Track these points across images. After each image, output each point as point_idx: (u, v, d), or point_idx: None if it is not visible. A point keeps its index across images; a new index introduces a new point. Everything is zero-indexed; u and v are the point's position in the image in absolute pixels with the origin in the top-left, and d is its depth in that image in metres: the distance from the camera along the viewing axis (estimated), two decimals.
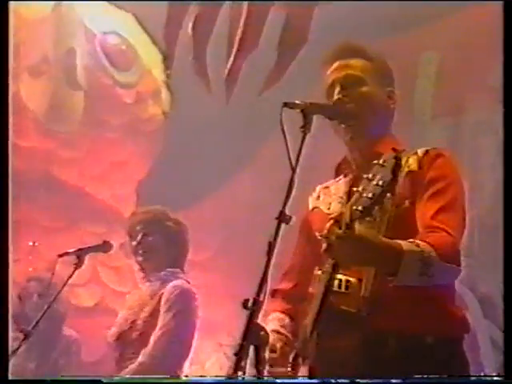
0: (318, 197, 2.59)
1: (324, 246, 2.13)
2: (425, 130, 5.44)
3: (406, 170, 2.31)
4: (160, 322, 3.57)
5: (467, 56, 5.26)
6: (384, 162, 2.04)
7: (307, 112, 2.21)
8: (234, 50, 5.33)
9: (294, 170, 2.11)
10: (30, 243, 5.39)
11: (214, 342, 5.32)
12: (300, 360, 2.28)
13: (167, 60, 5.96)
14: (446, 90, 5.48)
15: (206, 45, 5.57)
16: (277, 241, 2.07)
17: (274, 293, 2.61)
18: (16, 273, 4.94)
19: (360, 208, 2.05)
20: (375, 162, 2.06)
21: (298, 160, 2.12)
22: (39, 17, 5.60)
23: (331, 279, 2.17)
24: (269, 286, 2.06)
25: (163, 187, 5.32)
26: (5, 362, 2.70)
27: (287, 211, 2.09)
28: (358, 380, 2.16)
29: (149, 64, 6.04)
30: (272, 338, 2.38)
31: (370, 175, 2.05)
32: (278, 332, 2.43)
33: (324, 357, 2.23)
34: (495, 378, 2.46)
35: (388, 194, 2.04)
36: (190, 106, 5.66)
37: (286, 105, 2.19)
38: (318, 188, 2.63)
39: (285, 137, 2.13)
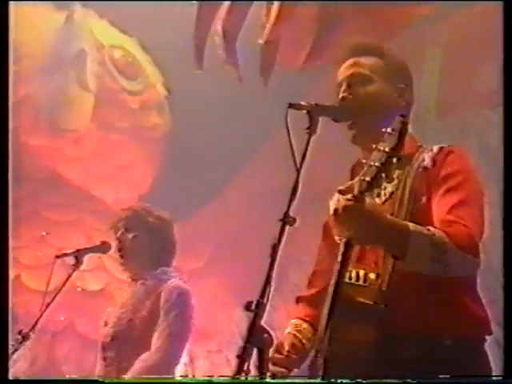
0: (338, 200, 2.56)
1: (332, 219, 2.10)
2: (429, 126, 5.42)
3: (421, 166, 2.31)
4: (162, 322, 3.55)
5: (472, 51, 5.24)
6: (392, 130, 2.03)
7: (313, 113, 2.20)
8: (271, 22, 5.19)
9: (298, 172, 2.09)
10: (43, 233, 5.58)
11: (203, 349, 5.37)
12: (319, 362, 2.26)
13: (167, 82, 6.14)
14: (451, 87, 5.46)
15: (237, 33, 5.46)
16: (281, 243, 2.05)
17: (298, 299, 2.61)
18: (24, 257, 5.32)
19: (368, 179, 2.04)
20: (383, 130, 2.05)
21: (302, 161, 2.10)
22: (53, 26, 5.85)
23: (345, 260, 2.12)
24: (272, 288, 2.03)
25: (166, 193, 5.32)
26: (5, 362, 2.70)
27: (291, 213, 2.07)
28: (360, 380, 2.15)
29: (153, 79, 6.25)
30: (283, 339, 2.40)
31: (380, 145, 2.04)
32: (293, 335, 2.43)
33: (338, 350, 2.17)
34: (494, 378, 2.43)
35: (394, 159, 2.02)
36: (192, 112, 5.66)
37: (291, 106, 2.18)
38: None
39: (289, 138, 2.11)
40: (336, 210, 2.08)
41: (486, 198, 2.37)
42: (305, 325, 2.49)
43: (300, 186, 2.09)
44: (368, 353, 2.17)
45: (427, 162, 2.33)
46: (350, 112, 2.39)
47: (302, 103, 2.21)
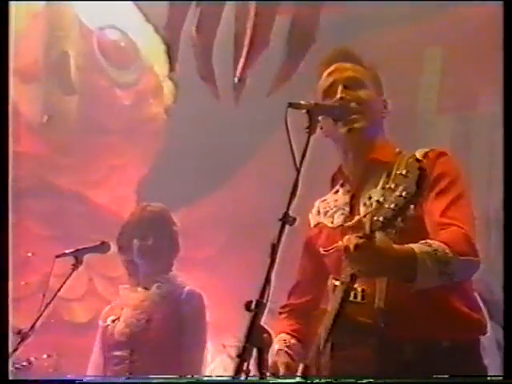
0: (318, 212, 2.57)
1: (344, 256, 2.09)
2: (430, 126, 5.41)
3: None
4: (188, 329, 3.66)
5: (472, 50, 5.24)
6: (407, 172, 1.99)
7: (312, 113, 2.19)
8: (245, 51, 5.22)
9: (298, 171, 2.08)
10: (29, 254, 5.35)
11: (218, 343, 5.32)
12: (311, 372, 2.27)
13: (170, 51, 5.79)
14: (452, 86, 5.46)
15: (211, 48, 5.46)
16: (280, 242, 2.04)
17: (281, 310, 2.62)
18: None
19: (381, 219, 2.01)
20: (398, 172, 2.01)
21: (302, 161, 2.09)
22: (31, 14, 5.49)
23: (348, 290, 2.14)
24: (272, 288, 2.03)
25: (164, 186, 5.27)
26: (5, 362, 2.70)
27: (291, 213, 2.07)
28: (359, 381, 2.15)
29: (150, 59, 5.91)
30: (276, 358, 2.40)
31: (392, 185, 2.00)
32: (284, 352, 2.44)
33: (339, 367, 2.21)
34: (494, 378, 2.43)
35: (411, 206, 1.98)
36: (192, 104, 5.60)
37: (290, 105, 2.17)
38: (317, 203, 2.61)
39: (289, 137, 2.10)
40: (347, 248, 2.06)
41: (484, 198, 2.38)
42: (293, 340, 2.50)
43: (300, 185, 2.08)
44: (368, 365, 2.20)
45: None
46: (350, 111, 2.39)
47: (302, 102, 2.21)
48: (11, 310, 3.13)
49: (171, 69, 5.91)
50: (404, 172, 1.99)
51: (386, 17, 5.25)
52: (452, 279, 2.16)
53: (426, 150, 2.37)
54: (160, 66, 5.93)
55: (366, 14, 5.20)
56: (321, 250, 2.46)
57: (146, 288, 3.76)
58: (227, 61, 5.50)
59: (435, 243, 2.14)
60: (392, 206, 1.99)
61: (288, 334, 2.52)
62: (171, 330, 3.66)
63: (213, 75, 5.53)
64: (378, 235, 2.03)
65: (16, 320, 4.71)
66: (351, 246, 2.04)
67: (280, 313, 2.62)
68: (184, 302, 3.70)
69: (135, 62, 5.85)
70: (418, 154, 2.34)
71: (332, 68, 2.49)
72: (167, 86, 5.98)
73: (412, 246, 2.13)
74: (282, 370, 2.36)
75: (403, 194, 1.97)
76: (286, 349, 2.44)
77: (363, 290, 2.17)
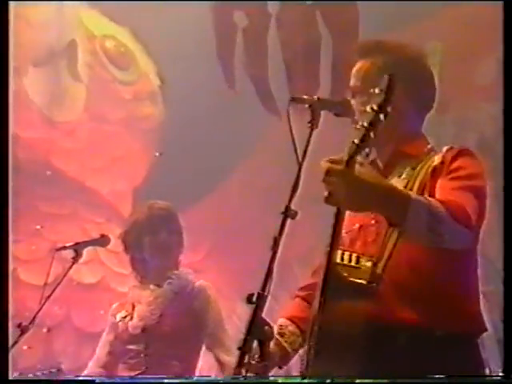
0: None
1: (325, 192, 1.98)
2: (429, 120, 5.41)
3: (431, 165, 2.28)
4: (208, 321, 3.72)
5: (471, 46, 5.25)
6: (380, 90, 1.95)
7: (315, 107, 2.19)
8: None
9: (300, 165, 2.09)
10: (38, 227, 5.55)
11: None
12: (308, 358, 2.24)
13: (160, 71, 6.07)
14: (451, 81, 5.46)
15: (265, 69, 5.37)
16: (282, 236, 2.05)
17: (298, 293, 2.56)
18: (19, 251, 5.29)
19: (356, 141, 1.94)
20: (371, 90, 1.98)
21: (304, 155, 2.10)
22: (43, 18, 5.83)
23: (336, 235, 2.04)
24: (273, 281, 2.04)
25: (162, 185, 5.30)
26: (5, 362, 2.69)
27: (293, 206, 2.08)
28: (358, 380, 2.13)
29: (145, 69, 6.21)
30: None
31: (368, 108, 1.96)
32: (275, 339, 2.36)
33: (331, 330, 2.09)
34: (494, 378, 2.43)
35: (381, 116, 1.93)
36: (188, 105, 5.64)
37: (293, 100, 2.18)
38: None
39: (291, 131, 2.11)
40: (328, 179, 1.97)
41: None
42: (290, 327, 2.46)
43: (302, 179, 2.09)
44: (359, 329, 2.13)
45: (437, 161, 2.29)
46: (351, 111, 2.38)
47: (304, 97, 2.21)
48: (11, 304, 3.14)
49: (162, 81, 6.11)
50: (377, 90, 1.96)
51: (385, 16, 5.25)
52: (440, 242, 2.09)
53: (454, 146, 2.35)
54: (154, 77, 6.21)
55: (365, 12, 5.21)
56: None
57: (157, 285, 3.77)
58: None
59: (432, 200, 2.09)
60: (365, 123, 1.94)
61: (288, 319, 2.47)
62: (185, 325, 3.68)
63: (271, 95, 5.41)
64: (360, 167, 2.00)
65: (28, 275, 5.24)
66: (332, 177, 1.95)
67: (296, 296, 2.56)
68: (196, 297, 3.74)
69: (133, 65, 6.16)
70: (445, 148, 2.33)
71: (357, 66, 2.45)
72: (160, 96, 6.22)
73: (408, 191, 2.11)
74: (276, 359, 2.35)
75: (374, 107, 1.94)
76: (277, 336, 2.38)
77: (358, 256, 2.16)
